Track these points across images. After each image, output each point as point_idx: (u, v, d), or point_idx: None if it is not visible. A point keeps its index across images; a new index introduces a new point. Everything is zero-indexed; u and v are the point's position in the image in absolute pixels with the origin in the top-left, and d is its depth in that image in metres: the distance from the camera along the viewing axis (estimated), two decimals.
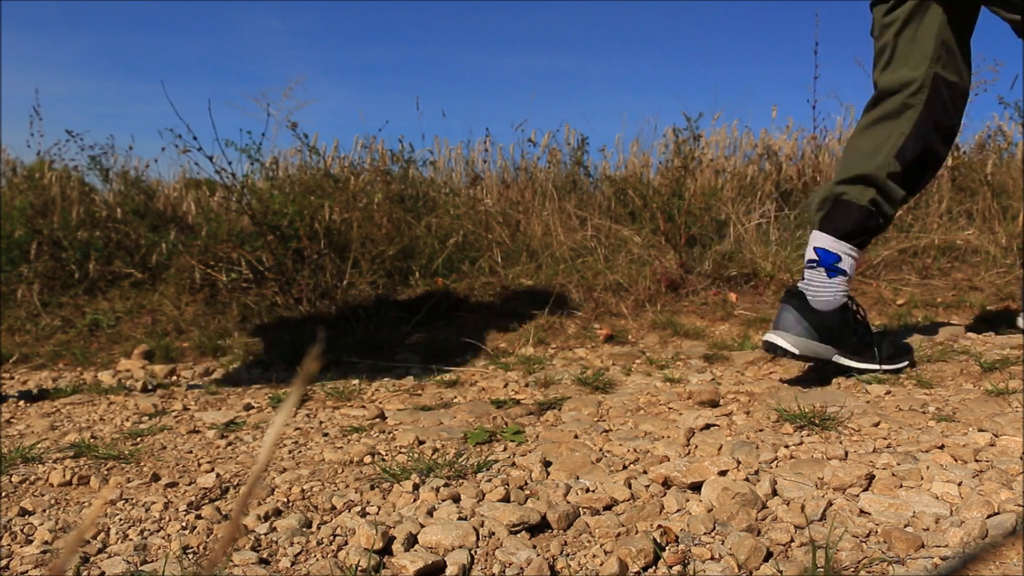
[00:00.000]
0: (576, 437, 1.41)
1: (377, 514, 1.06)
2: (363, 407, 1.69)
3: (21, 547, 0.98)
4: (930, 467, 1.15)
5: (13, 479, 1.21)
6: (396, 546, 0.96)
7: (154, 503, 1.10)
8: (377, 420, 1.58)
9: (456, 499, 1.10)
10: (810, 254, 1.81)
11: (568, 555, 0.95)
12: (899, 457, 1.21)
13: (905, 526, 0.99)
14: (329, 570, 0.91)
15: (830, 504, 1.05)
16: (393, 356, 2.28)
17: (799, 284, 1.82)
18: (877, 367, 1.84)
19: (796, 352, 1.76)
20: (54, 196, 3.33)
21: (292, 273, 2.69)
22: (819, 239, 1.79)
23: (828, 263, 1.77)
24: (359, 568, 0.90)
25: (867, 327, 1.87)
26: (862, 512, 1.03)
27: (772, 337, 1.78)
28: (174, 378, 2.09)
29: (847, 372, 1.84)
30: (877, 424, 1.42)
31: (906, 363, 1.88)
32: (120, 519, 1.05)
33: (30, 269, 2.82)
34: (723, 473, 1.16)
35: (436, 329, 2.51)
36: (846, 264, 1.78)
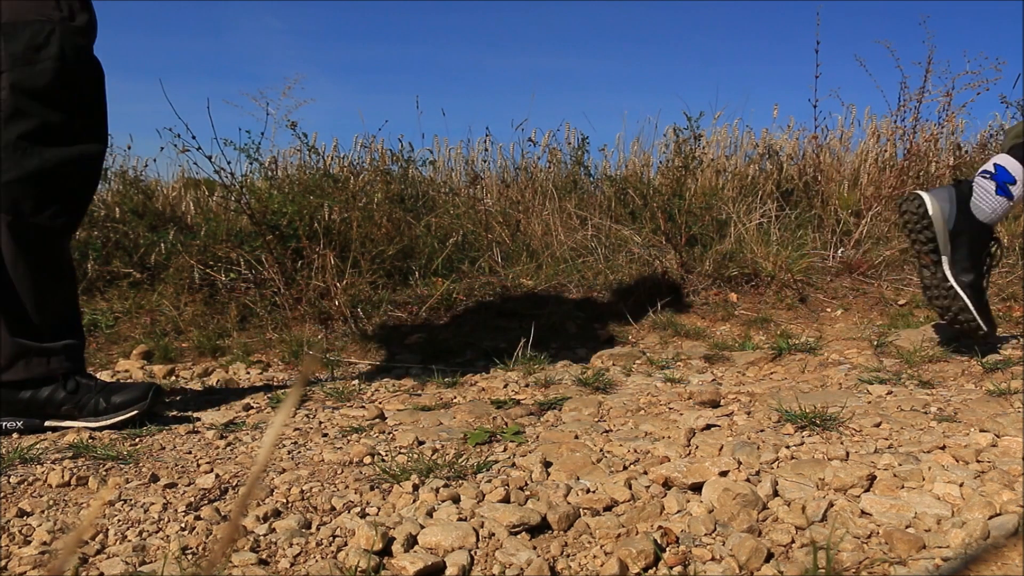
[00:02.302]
0: (576, 437, 1.40)
1: (377, 515, 1.06)
2: (363, 407, 1.68)
3: (19, 548, 0.97)
4: (932, 468, 1.14)
5: (11, 480, 1.21)
6: (396, 547, 0.95)
7: (153, 504, 1.10)
8: (377, 420, 1.58)
9: (456, 500, 1.09)
10: (988, 166, 1.84)
11: (568, 556, 0.95)
12: (900, 458, 1.21)
13: (907, 527, 0.98)
14: (329, 571, 0.90)
15: (831, 505, 1.05)
16: (393, 356, 2.28)
17: (971, 178, 1.86)
18: (967, 304, 1.83)
19: (929, 214, 1.81)
20: None
21: (291, 273, 2.69)
22: (1004, 159, 1.83)
23: (1002, 179, 1.81)
24: (359, 569, 0.90)
25: (986, 273, 1.88)
26: (863, 513, 1.03)
27: (921, 192, 1.84)
28: (173, 378, 2.08)
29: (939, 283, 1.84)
30: (878, 424, 1.42)
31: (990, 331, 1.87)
32: (119, 520, 1.05)
33: None
34: (724, 474, 1.16)
35: (436, 329, 2.51)
36: (1017, 191, 1.81)
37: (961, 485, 1.08)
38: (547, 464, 1.24)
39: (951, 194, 1.83)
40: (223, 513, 1.07)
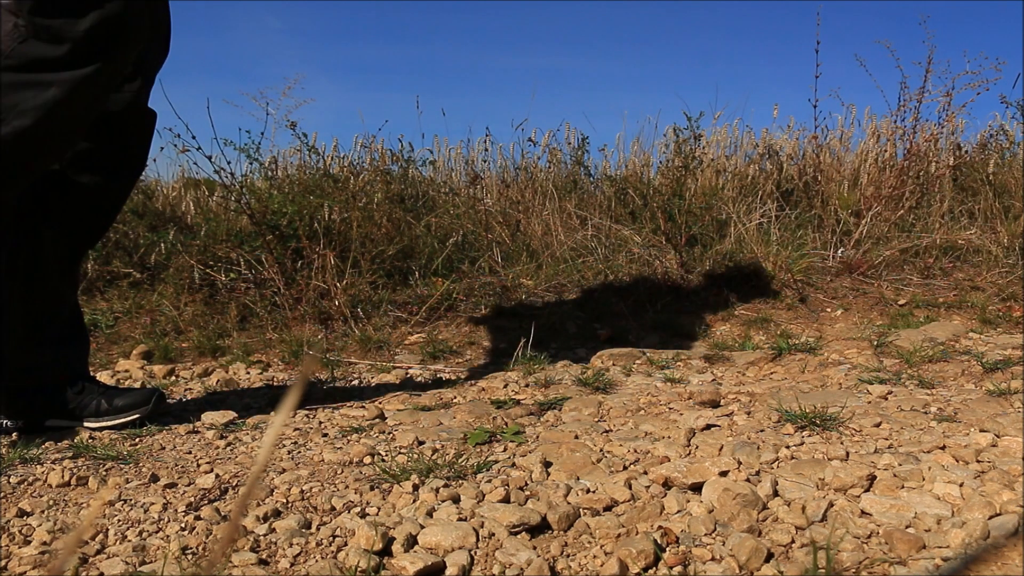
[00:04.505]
0: (576, 437, 1.40)
1: (377, 515, 1.06)
2: (363, 407, 1.68)
3: (19, 548, 0.97)
4: (932, 468, 1.14)
5: (11, 480, 1.21)
6: (396, 547, 0.95)
7: (153, 504, 1.10)
8: (377, 420, 1.58)
9: (456, 500, 1.09)
10: None
11: (568, 556, 0.95)
12: (900, 458, 1.21)
13: (907, 527, 0.98)
14: (329, 571, 0.90)
15: (831, 505, 1.05)
16: (393, 356, 2.28)
17: None
18: None
19: None
20: None
21: (291, 273, 2.69)
22: None
23: None
24: (359, 569, 0.90)
25: None
26: (863, 513, 1.03)
27: None
28: (173, 378, 2.08)
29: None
30: (878, 424, 1.42)
31: None
32: (119, 520, 1.05)
33: None
34: (724, 474, 1.16)
35: (436, 329, 2.51)
36: None
37: (961, 485, 1.08)
38: (547, 464, 1.24)
39: None
40: (223, 513, 1.07)
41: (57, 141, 1.34)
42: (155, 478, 1.21)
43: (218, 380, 2.02)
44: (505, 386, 1.89)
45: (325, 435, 1.48)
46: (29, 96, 1.26)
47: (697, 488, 1.12)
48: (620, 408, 1.61)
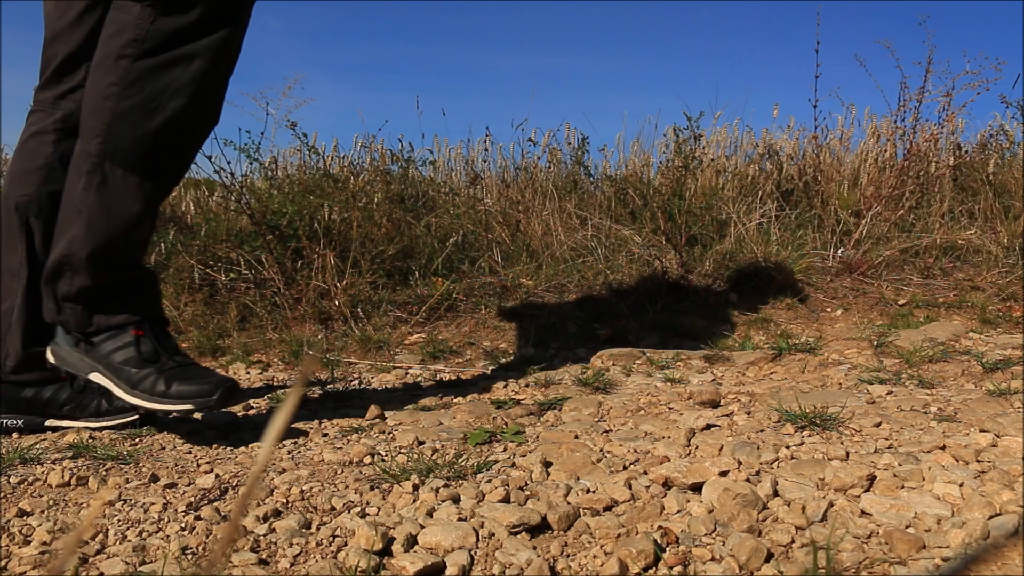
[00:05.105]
0: (576, 437, 1.40)
1: (377, 515, 1.06)
2: (363, 407, 1.68)
3: (19, 548, 0.97)
4: (932, 468, 1.14)
5: (11, 480, 1.21)
6: (396, 547, 0.95)
7: (153, 504, 1.10)
8: (377, 420, 1.58)
9: (456, 500, 1.09)
10: None
11: (568, 556, 0.95)
12: (900, 458, 1.21)
13: (907, 527, 0.98)
14: (329, 571, 0.90)
15: (831, 505, 1.05)
16: (393, 356, 2.28)
17: None
18: None
19: None
20: None
21: (291, 273, 2.69)
22: None
23: None
24: (359, 569, 0.90)
25: None
26: (863, 513, 1.03)
27: None
28: None
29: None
30: (878, 424, 1.42)
31: None
32: (119, 520, 1.05)
33: None
34: (724, 474, 1.16)
35: (436, 329, 2.51)
36: None
37: (961, 485, 1.08)
38: (547, 464, 1.24)
39: None
40: (223, 513, 1.07)
41: (208, 115, 1.33)
42: (155, 478, 1.21)
43: None
44: (505, 386, 1.89)
45: (325, 435, 1.48)
46: (176, 74, 1.25)
47: (697, 488, 1.12)
48: (620, 408, 1.61)
